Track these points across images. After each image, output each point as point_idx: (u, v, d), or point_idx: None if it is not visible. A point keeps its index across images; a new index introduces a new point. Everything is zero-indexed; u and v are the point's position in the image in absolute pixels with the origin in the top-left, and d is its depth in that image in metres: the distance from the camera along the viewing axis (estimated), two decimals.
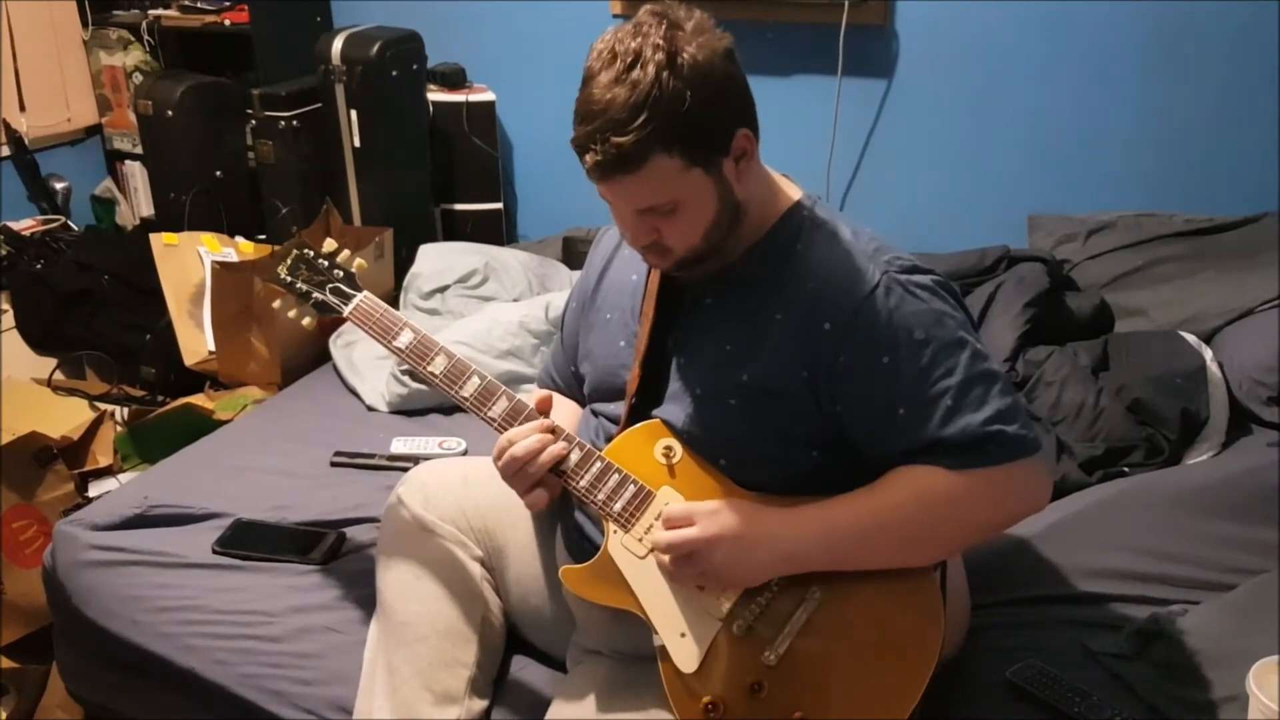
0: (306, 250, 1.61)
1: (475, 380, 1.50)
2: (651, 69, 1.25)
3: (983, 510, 1.35)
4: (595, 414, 1.57)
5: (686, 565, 1.36)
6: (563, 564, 1.53)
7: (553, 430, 1.46)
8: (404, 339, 1.53)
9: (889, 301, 1.32)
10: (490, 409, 1.49)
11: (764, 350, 1.38)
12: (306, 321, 1.62)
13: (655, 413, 1.46)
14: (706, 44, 1.28)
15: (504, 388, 1.50)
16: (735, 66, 1.32)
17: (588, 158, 1.29)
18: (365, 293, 1.58)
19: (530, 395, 1.52)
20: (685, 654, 1.39)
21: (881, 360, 1.32)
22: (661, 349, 1.47)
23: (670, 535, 1.36)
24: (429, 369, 1.51)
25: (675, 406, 1.45)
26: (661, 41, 1.26)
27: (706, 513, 1.36)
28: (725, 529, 1.34)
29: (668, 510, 1.39)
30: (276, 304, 1.64)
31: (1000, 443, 1.31)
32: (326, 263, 1.61)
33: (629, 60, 1.26)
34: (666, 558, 1.37)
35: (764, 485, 1.40)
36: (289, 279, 1.61)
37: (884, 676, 1.35)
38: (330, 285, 1.60)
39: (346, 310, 1.57)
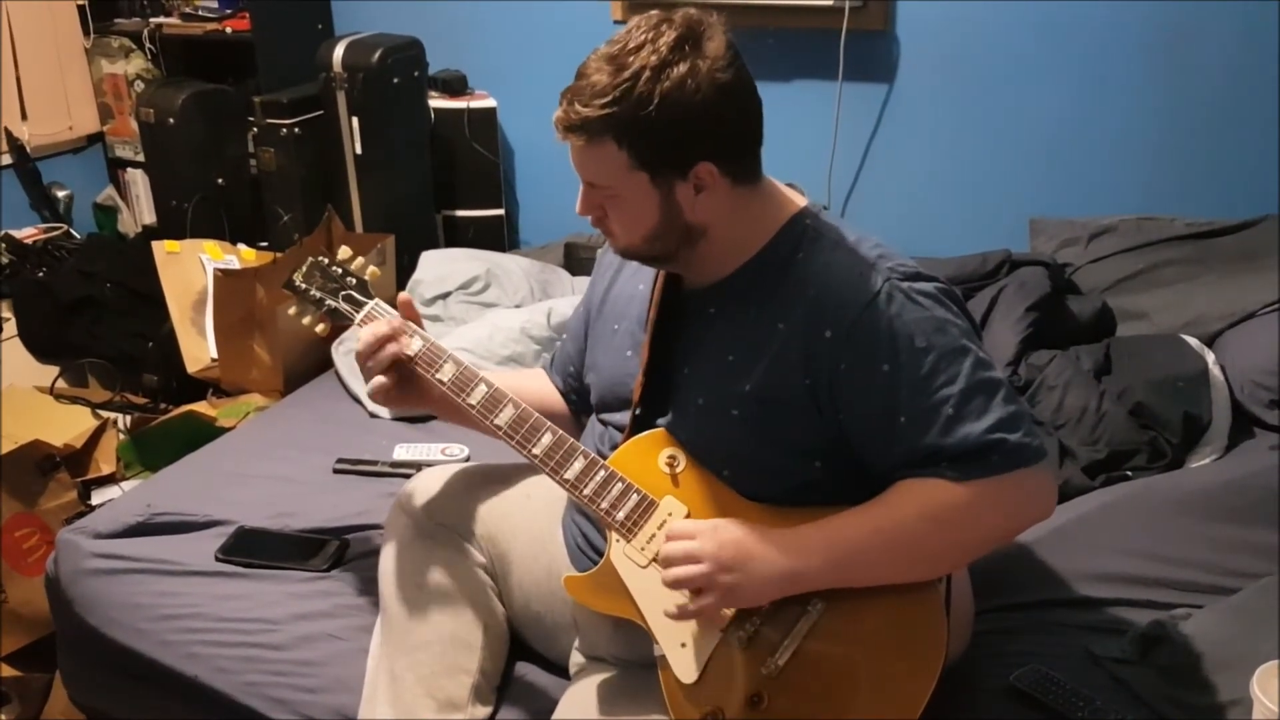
0: (322, 258, 1.64)
1: (482, 388, 1.51)
2: (637, 66, 1.28)
3: (988, 522, 1.34)
4: (604, 423, 1.58)
5: (692, 582, 1.34)
6: (566, 571, 1.54)
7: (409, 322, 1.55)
8: (414, 346, 1.54)
9: (890, 309, 1.32)
10: (496, 416, 1.50)
11: (766, 360, 1.37)
12: (320, 328, 1.65)
13: (659, 422, 1.46)
14: (704, 72, 1.28)
15: (511, 396, 1.51)
16: (725, 103, 1.31)
17: (557, 111, 1.33)
18: (376, 300, 1.60)
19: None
20: (685, 664, 1.39)
21: (882, 368, 1.32)
22: (667, 359, 1.47)
23: (671, 547, 1.36)
24: (437, 375, 1.53)
25: (679, 416, 1.45)
26: (664, 49, 1.28)
27: (708, 530, 1.36)
28: (723, 547, 1.33)
29: (671, 526, 1.38)
30: (292, 310, 1.66)
31: (1003, 452, 1.30)
32: (341, 270, 1.63)
33: (629, 48, 1.29)
34: (669, 572, 1.36)
35: (768, 496, 1.40)
36: (304, 286, 1.64)
37: (887, 686, 1.34)
38: (343, 293, 1.62)
39: (358, 317, 1.60)
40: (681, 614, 1.36)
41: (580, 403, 1.71)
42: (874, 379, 1.32)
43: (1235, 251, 2.51)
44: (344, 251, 1.65)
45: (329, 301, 1.62)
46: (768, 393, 1.37)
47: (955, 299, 1.38)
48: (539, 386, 1.74)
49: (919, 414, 1.31)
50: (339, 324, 1.63)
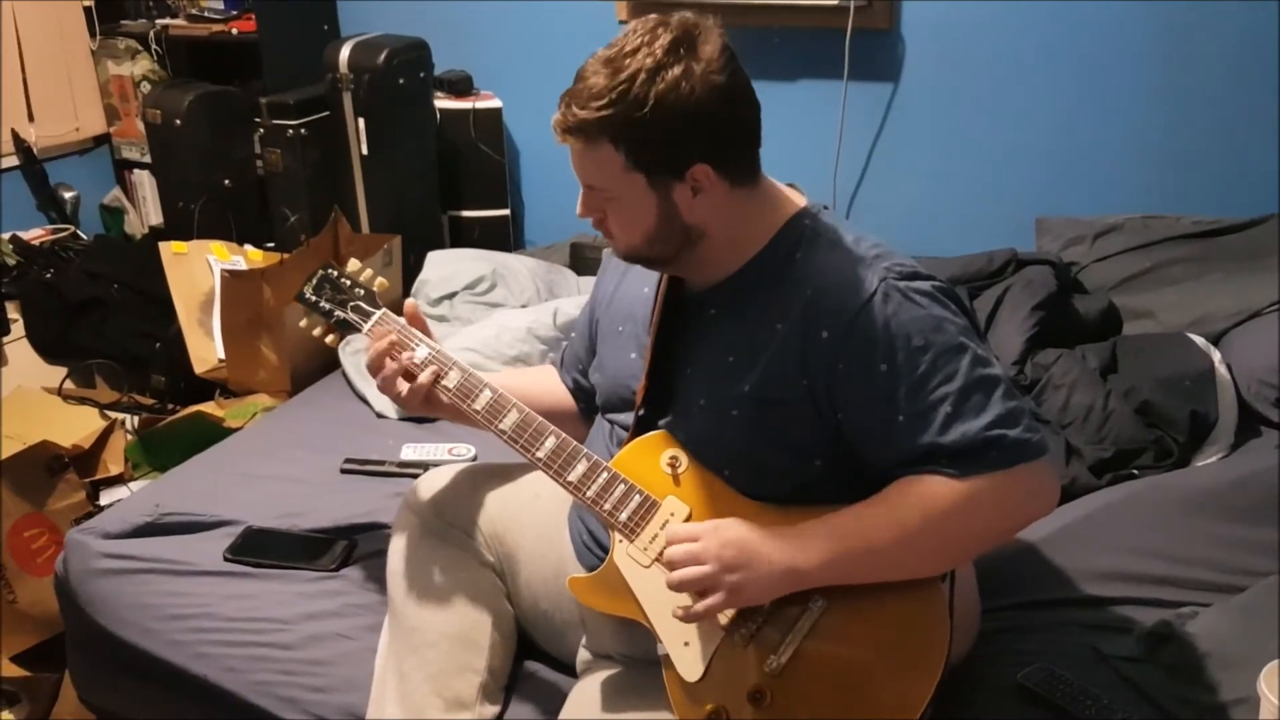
0: (331, 270, 1.66)
1: (486, 393, 1.53)
2: (633, 68, 1.29)
3: (989, 517, 1.34)
4: (611, 423, 1.58)
5: (698, 583, 1.35)
6: (574, 568, 1.54)
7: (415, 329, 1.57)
8: (420, 354, 1.56)
9: (887, 308, 1.32)
10: (500, 422, 1.51)
11: (764, 360, 1.38)
12: (330, 339, 1.67)
13: (661, 423, 1.46)
14: (699, 74, 1.29)
15: (515, 400, 1.52)
16: (720, 105, 1.31)
17: (555, 114, 1.35)
18: (384, 310, 1.62)
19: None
20: (689, 662, 1.39)
21: (879, 367, 1.32)
22: (669, 360, 1.48)
23: (675, 550, 1.36)
24: (443, 383, 1.54)
25: (681, 417, 1.45)
26: (659, 52, 1.29)
27: (709, 530, 1.36)
28: (726, 546, 1.34)
29: (671, 530, 1.39)
30: (303, 323, 1.68)
31: (1002, 448, 1.30)
32: (349, 282, 1.66)
33: (626, 51, 1.31)
34: (674, 575, 1.36)
35: (768, 496, 1.41)
36: (314, 298, 1.66)
37: (890, 683, 1.34)
38: (352, 304, 1.64)
39: (365, 327, 1.62)
40: (688, 616, 1.36)
41: (589, 401, 1.71)
42: (871, 379, 1.32)
43: (1241, 250, 2.51)
44: (353, 264, 1.68)
45: (338, 313, 1.64)
46: (767, 393, 1.38)
47: (954, 297, 1.38)
48: (547, 385, 1.75)
49: (917, 413, 1.31)
50: (347, 334, 1.66)
